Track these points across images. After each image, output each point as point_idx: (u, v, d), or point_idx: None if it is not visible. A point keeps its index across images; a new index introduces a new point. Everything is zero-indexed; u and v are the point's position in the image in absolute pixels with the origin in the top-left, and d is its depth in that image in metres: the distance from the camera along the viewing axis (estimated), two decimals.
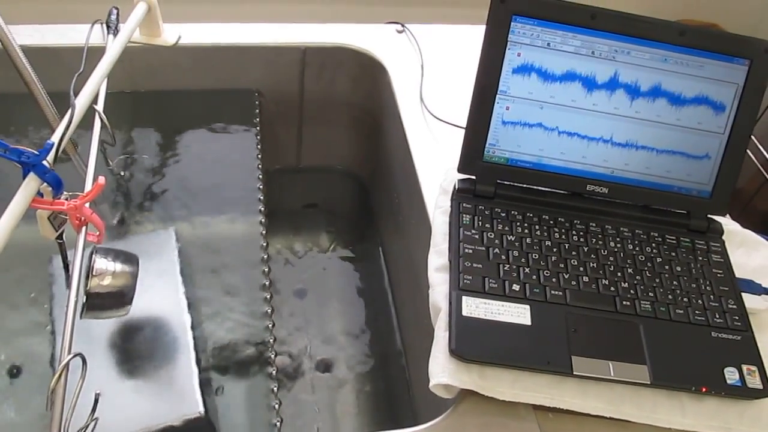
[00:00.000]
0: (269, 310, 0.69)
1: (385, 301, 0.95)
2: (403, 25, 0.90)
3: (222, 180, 0.80)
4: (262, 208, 0.76)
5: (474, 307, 0.57)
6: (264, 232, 0.74)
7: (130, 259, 0.69)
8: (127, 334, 0.70)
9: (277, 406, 0.63)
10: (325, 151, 1.01)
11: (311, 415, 0.89)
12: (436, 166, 0.72)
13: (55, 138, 0.59)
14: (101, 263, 0.66)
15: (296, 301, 0.98)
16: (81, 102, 0.62)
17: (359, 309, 0.98)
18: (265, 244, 0.73)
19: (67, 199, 0.58)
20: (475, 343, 0.55)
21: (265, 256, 0.72)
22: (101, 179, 0.59)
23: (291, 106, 0.93)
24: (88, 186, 0.66)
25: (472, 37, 0.90)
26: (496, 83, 0.63)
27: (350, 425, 0.88)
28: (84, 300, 0.69)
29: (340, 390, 0.91)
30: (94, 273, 0.66)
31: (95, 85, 0.65)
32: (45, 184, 0.58)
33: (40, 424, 0.66)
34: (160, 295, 0.73)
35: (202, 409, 0.65)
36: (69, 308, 0.58)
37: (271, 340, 0.67)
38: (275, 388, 0.64)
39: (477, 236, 0.62)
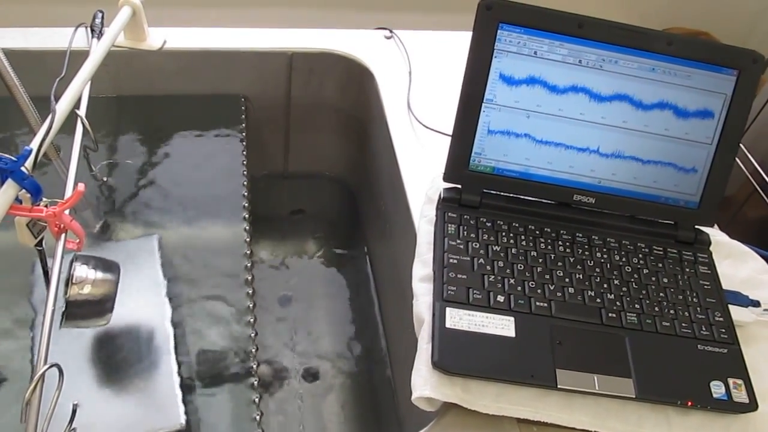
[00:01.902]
0: (252, 319, 0.68)
1: (371, 309, 0.94)
2: (391, 31, 0.90)
3: (207, 186, 0.79)
4: (247, 215, 0.75)
5: (458, 318, 0.56)
6: (248, 239, 0.73)
7: (111, 266, 0.68)
8: (107, 343, 0.69)
9: (258, 417, 0.62)
10: (312, 157, 1.00)
11: (296, 423, 0.88)
12: (423, 174, 0.71)
13: (34, 144, 0.58)
14: (81, 271, 0.65)
15: (282, 308, 0.97)
16: (62, 107, 0.61)
17: (346, 317, 0.97)
18: (249, 252, 0.72)
19: (46, 206, 0.57)
20: (459, 356, 0.54)
21: (249, 264, 0.71)
22: (81, 186, 0.58)
23: (278, 112, 0.92)
24: (69, 192, 0.65)
25: (461, 43, 0.90)
26: (483, 91, 0.62)
27: None
28: (63, 309, 0.68)
29: (325, 398, 0.90)
30: (73, 281, 0.65)
31: (77, 89, 0.64)
32: (24, 190, 0.57)
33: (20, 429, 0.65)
34: (142, 303, 0.72)
35: (183, 420, 0.64)
36: (46, 317, 0.57)
37: (254, 350, 0.66)
38: (257, 399, 0.63)
39: (462, 246, 0.61)
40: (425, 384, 0.54)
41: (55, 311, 0.57)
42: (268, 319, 0.95)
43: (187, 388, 0.66)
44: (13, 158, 0.56)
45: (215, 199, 0.78)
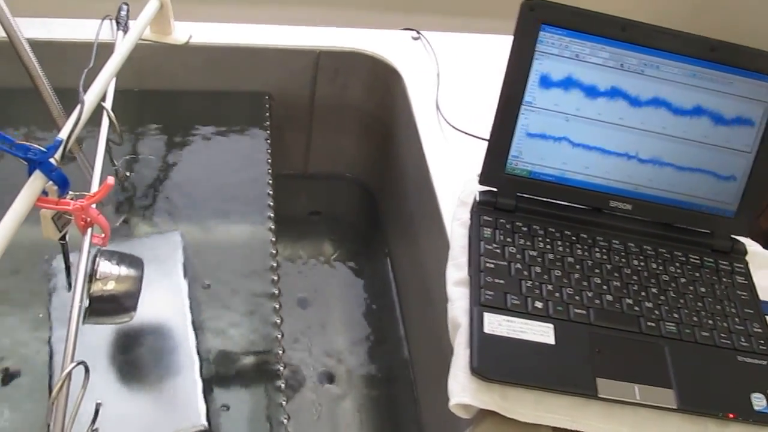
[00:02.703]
0: (278, 320, 0.67)
1: (391, 313, 0.92)
2: (418, 32, 0.88)
3: (230, 184, 0.78)
4: (272, 214, 0.73)
5: (496, 324, 0.55)
6: (273, 239, 0.72)
7: (135, 262, 0.66)
8: (129, 341, 0.68)
9: (285, 420, 0.60)
10: (332, 158, 0.99)
11: (311, 428, 0.86)
12: (453, 177, 0.70)
13: (63, 134, 0.56)
14: (105, 267, 0.63)
15: (298, 310, 0.96)
16: (90, 98, 0.60)
17: (363, 320, 0.96)
18: (274, 252, 0.71)
19: (72, 199, 0.56)
20: (497, 362, 0.53)
21: (274, 264, 0.70)
22: (110, 179, 0.57)
23: (301, 111, 0.91)
24: (95, 186, 0.63)
25: (488, 46, 0.89)
26: (522, 93, 0.61)
27: None
28: (86, 305, 0.67)
29: (341, 403, 0.88)
30: (97, 276, 0.64)
31: (104, 82, 0.62)
32: (51, 182, 0.56)
33: (35, 428, 0.63)
34: (163, 301, 0.70)
35: (204, 421, 0.63)
36: (73, 314, 0.55)
37: (280, 352, 0.65)
38: (284, 402, 0.61)
39: (498, 250, 0.60)
40: (464, 390, 0.52)
41: (77, 308, 0.55)
42: (284, 321, 0.94)
43: (208, 388, 0.65)
44: (42, 149, 0.55)
45: (239, 197, 0.77)
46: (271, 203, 0.74)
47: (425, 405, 0.80)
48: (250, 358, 0.68)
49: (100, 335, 0.67)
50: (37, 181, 0.55)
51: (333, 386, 0.89)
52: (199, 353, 0.66)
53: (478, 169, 0.71)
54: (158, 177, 0.79)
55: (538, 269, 0.59)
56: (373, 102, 0.89)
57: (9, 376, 0.67)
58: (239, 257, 0.72)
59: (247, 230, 0.75)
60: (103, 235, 0.61)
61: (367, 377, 0.90)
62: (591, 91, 0.61)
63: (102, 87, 0.62)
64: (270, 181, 0.76)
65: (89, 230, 0.59)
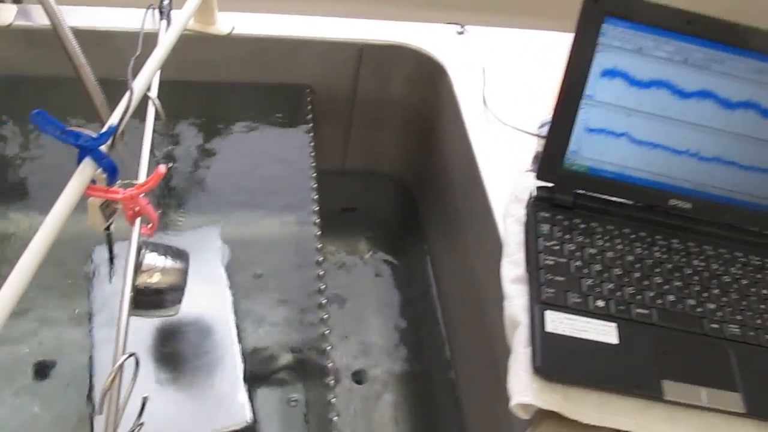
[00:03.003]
0: (324, 316, 0.65)
1: (431, 312, 0.91)
2: (462, 26, 0.87)
3: (272, 177, 0.77)
4: (316, 208, 0.72)
5: (558, 322, 0.53)
6: (318, 233, 0.70)
7: (180, 255, 0.65)
8: (171, 335, 0.67)
9: (335, 418, 0.59)
10: (371, 153, 0.97)
11: (347, 427, 0.85)
12: (502, 173, 0.69)
13: (113, 120, 0.55)
14: (150, 258, 0.62)
15: (333, 307, 0.94)
16: (138, 86, 0.59)
17: (399, 318, 0.94)
18: (319, 246, 0.70)
19: (122, 188, 0.55)
20: (560, 362, 0.51)
21: (320, 259, 0.68)
22: (161, 167, 0.55)
23: (342, 105, 0.89)
24: (142, 176, 0.62)
25: (533, 41, 0.88)
26: (583, 87, 0.60)
27: None
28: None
29: (377, 402, 0.87)
30: (143, 269, 0.63)
31: (151, 71, 0.61)
32: (99, 170, 0.55)
33: (72, 420, 0.62)
34: (207, 294, 0.69)
35: (249, 416, 0.61)
36: (123, 304, 0.54)
37: (328, 348, 0.63)
38: (333, 400, 0.60)
39: (557, 248, 0.58)
40: (526, 390, 0.51)
41: (128, 299, 0.54)
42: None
43: (252, 384, 0.63)
44: (92, 135, 0.54)
45: (282, 191, 0.75)
46: (316, 197, 0.72)
47: (469, 405, 0.78)
48: (294, 354, 0.66)
49: (142, 328, 0.66)
50: (87, 169, 0.53)
51: (368, 385, 0.88)
52: (242, 348, 0.65)
53: (528, 165, 0.69)
54: (199, 169, 0.78)
55: (598, 267, 0.58)
56: (415, 97, 0.88)
57: (45, 368, 0.66)
58: (283, 252, 0.71)
59: (291, 225, 0.73)
60: (150, 225, 0.59)
61: (404, 376, 0.88)
62: (654, 86, 0.60)
63: (149, 76, 0.61)
64: (314, 175, 0.75)
65: (138, 220, 0.57)
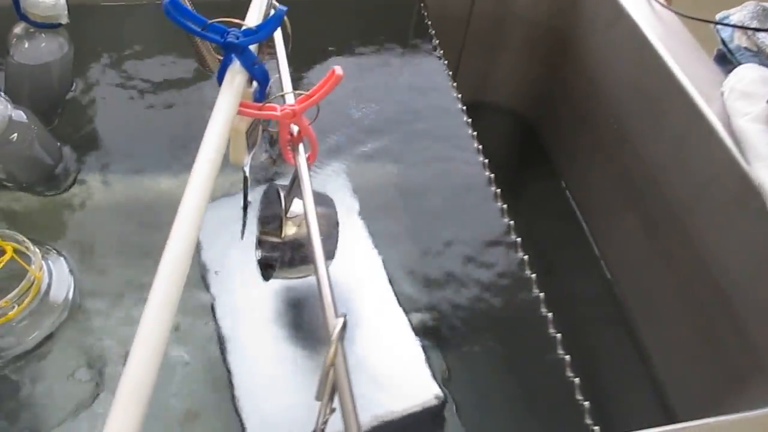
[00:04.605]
0: (531, 275, 0.50)
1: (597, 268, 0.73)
2: None
3: (410, 109, 0.62)
4: (478, 146, 0.57)
5: None
6: (491, 175, 0.56)
7: (326, 200, 0.52)
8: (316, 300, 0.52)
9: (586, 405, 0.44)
10: (484, 83, 0.81)
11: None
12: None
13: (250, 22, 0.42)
14: (297, 205, 0.49)
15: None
16: None
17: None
18: (496, 191, 0.55)
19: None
20: None
21: (502, 206, 0.54)
22: (338, 69, 0.41)
23: (454, 25, 0.74)
24: (289, 97, 0.47)
25: None
26: None
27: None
28: (274, 255, 0.52)
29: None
30: (288, 216, 0.49)
31: None
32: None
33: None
34: (352, 253, 0.55)
35: (440, 393, 0.48)
36: (317, 260, 0.38)
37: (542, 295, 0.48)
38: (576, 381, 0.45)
39: None
40: None
41: (320, 252, 0.39)
42: None
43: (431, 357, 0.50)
44: (241, 31, 0.40)
45: (429, 125, 0.60)
46: (473, 132, 0.58)
47: (672, 386, 0.63)
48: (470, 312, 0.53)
49: (278, 294, 0.53)
50: (237, 77, 0.40)
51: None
52: (407, 315, 0.52)
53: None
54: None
55: None
56: (543, 8, 0.73)
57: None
58: (451, 199, 0.56)
59: (453, 165, 0.58)
60: (308, 152, 0.45)
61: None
62: None
63: None
64: (463, 108, 0.59)
65: (300, 146, 0.43)
